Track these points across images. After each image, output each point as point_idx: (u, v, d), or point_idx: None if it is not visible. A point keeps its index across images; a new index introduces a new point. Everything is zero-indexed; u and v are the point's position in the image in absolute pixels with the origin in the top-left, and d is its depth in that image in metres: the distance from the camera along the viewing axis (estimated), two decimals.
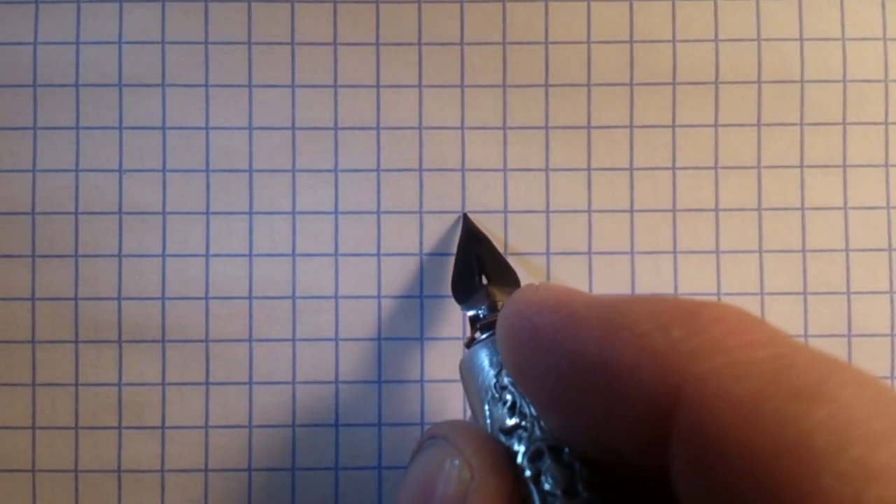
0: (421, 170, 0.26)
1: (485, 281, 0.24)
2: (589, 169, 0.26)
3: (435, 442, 0.13)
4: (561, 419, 0.12)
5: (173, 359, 0.25)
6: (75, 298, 0.26)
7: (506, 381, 0.15)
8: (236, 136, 0.26)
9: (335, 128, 0.26)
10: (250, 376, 0.25)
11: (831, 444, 0.08)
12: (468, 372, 0.17)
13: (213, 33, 0.26)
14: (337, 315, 0.26)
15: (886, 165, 0.26)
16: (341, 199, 0.26)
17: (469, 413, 0.17)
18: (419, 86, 0.26)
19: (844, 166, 0.26)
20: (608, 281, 0.26)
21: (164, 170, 0.26)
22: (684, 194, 0.26)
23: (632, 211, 0.26)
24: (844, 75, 0.26)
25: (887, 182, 0.26)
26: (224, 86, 0.26)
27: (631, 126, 0.26)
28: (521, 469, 0.12)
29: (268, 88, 0.26)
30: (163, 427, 0.25)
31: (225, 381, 0.25)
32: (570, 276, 0.26)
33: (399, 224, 0.26)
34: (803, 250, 0.26)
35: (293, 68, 0.26)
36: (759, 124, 0.26)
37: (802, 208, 0.26)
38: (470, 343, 0.19)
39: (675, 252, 0.26)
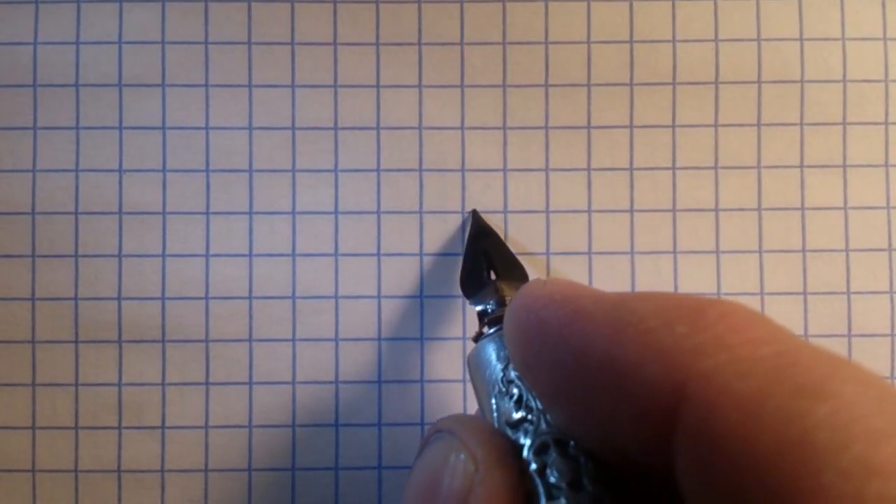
0: (421, 170, 0.26)
1: (493, 276, 0.24)
2: (589, 169, 0.26)
3: (441, 436, 0.13)
4: (566, 414, 0.12)
5: (173, 359, 0.25)
6: (75, 298, 0.26)
7: (513, 375, 0.15)
8: (236, 136, 0.26)
9: (335, 128, 0.26)
10: (250, 376, 0.25)
11: (833, 441, 0.08)
12: (475, 366, 0.17)
13: (213, 33, 0.26)
14: (337, 315, 0.26)
15: (886, 165, 0.26)
16: (341, 199, 0.26)
17: (475, 408, 0.17)
18: (419, 86, 0.26)
19: (844, 166, 0.26)
20: (608, 281, 0.26)
21: (164, 170, 0.26)
22: (684, 194, 0.26)
23: (632, 211, 0.26)
24: (844, 75, 0.26)
25: (887, 182, 0.26)
26: (224, 86, 0.26)
27: (631, 126, 0.26)
28: (526, 462, 0.13)
29: (268, 88, 0.26)
30: (163, 427, 0.25)
31: (225, 381, 0.25)
32: (570, 277, 0.26)
33: (399, 224, 0.26)
34: (803, 250, 0.26)
35: (293, 68, 0.26)
36: (759, 124, 0.26)
37: (802, 208, 0.26)
38: (478, 337, 0.19)
39: (675, 252, 0.26)
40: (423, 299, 0.26)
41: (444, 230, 0.26)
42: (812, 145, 0.26)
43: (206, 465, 0.25)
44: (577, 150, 0.26)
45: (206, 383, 0.25)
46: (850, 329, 0.26)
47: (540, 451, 0.13)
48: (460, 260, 0.25)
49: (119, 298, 0.26)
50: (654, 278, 0.26)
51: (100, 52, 0.26)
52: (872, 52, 0.26)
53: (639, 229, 0.26)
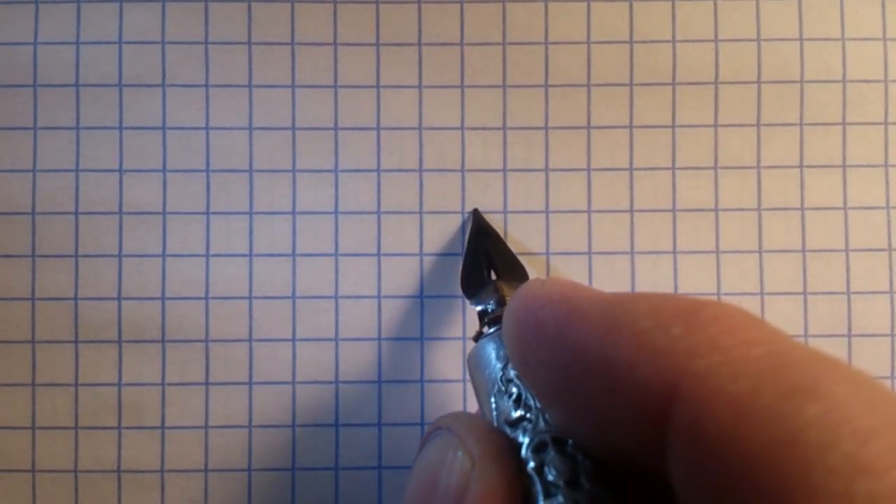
0: (421, 170, 0.26)
1: (493, 276, 0.24)
2: (589, 169, 0.26)
3: (440, 433, 0.14)
4: (563, 413, 0.12)
5: (173, 359, 0.25)
6: (75, 298, 0.26)
7: (511, 374, 0.15)
8: (236, 136, 0.26)
9: (335, 128, 0.26)
10: (250, 376, 0.25)
11: (823, 440, 0.08)
12: (475, 365, 0.17)
13: (213, 33, 0.26)
14: (337, 315, 0.26)
15: (886, 165, 0.26)
16: (341, 199, 0.26)
17: (475, 408, 0.18)
18: (419, 86, 0.26)
19: (844, 166, 0.26)
20: (608, 281, 0.26)
21: (164, 170, 0.26)
22: (684, 194, 0.26)
23: (632, 211, 0.26)
24: (844, 75, 0.26)
25: (887, 182, 0.26)
26: (224, 86, 0.26)
27: (631, 126, 0.26)
28: (524, 460, 0.13)
29: (268, 88, 0.26)
30: (163, 427, 0.25)
31: (225, 381, 0.25)
32: (570, 276, 0.26)
33: (399, 224, 0.26)
34: (803, 250, 0.26)
35: (293, 68, 0.26)
36: (758, 124, 0.26)
37: (802, 208, 0.26)
38: (478, 337, 0.19)
39: (675, 252, 0.26)
40: (423, 299, 0.26)
41: (444, 230, 0.26)
42: (812, 145, 0.26)
43: (206, 465, 0.25)
44: (577, 150, 0.26)
45: (206, 383, 0.25)
46: (850, 329, 0.26)
47: (538, 449, 0.13)
48: (461, 260, 0.25)
49: (119, 298, 0.26)
50: (654, 278, 0.26)
51: (100, 52, 0.26)
52: (872, 53, 0.26)
53: (639, 229, 0.26)
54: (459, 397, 0.26)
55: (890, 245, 0.26)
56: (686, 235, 0.26)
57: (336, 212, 0.26)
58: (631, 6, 0.26)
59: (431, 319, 0.26)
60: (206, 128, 0.26)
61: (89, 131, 0.26)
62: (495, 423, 0.15)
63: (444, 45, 0.26)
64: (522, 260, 0.24)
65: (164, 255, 0.26)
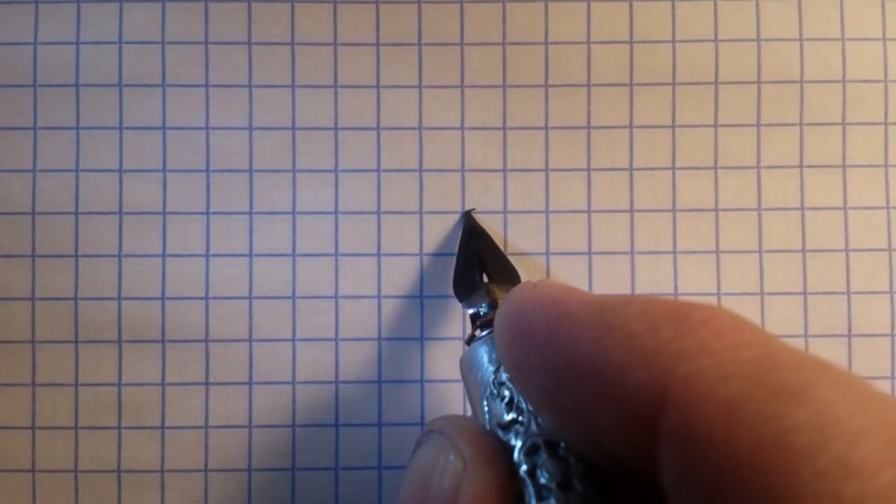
0: (421, 170, 0.26)
1: (486, 279, 0.24)
2: (589, 169, 0.26)
3: (432, 436, 0.14)
4: (555, 416, 0.12)
5: (173, 359, 0.25)
6: (75, 298, 0.26)
7: (504, 377, 0.15)
8: (236, 136, 0.26)
9: (335, 128, 0.26)
10: (250, 376, 0.25)
11: (812, 442, 0.08)
12: (468, 368, 0.17)
13: (213, 33, 0.26)
14: (337, 315, 0.26)
15: (886, 165, 0.26)
16: (341, 199, 0.26)
17: (470, 410, 0.18)
18: (419, 86, 0.26)
19: (844, 166, 0.26)
20: (608, 281, 0.26)
21: (164, 170, 0.26)
22: (684, 194, 0.26)
23: (632, 211, 0.26)
24: (844, 75, 0.26)
25: (887, 182, 0.26)
26: (224, 86, 0.26)
27: (631, 126, 0.26)
28: (517, 463, 0.13)
29: (268, 88, 0.26)
30: (163, 427, 0.25)
31: (225, 381, 0.25)
32: (570, 276, 0.26)
33: (399, 224, 0.26)
34: (803, 250, 0.26)
35: (293, 68, 0.26)
36: (758, 124, 0.26)
37: (802, 208, 0.26)
38: (470, 340, 0.19)
39: (675, 252, 0.26)
40: (423, 299, 0.26)
41: (444, 230, 0.26)
42: (811, 145, 0.26)
43: (206, 465, 0.25)
44: (577, 150, 0.26)
45: (206, 383, 0.25)
46: (850, 329, 0.26)
47: (530, 452, 0.13)
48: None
49: (119, 298, 0.26)
50: (654, 278, 0.26)
51: (100, 52, 0.26)
52: (872, 53, 0.26)
53: (639, 229, 0.26)
54: (459, 397, 0.26)
55: (890, 245, 0.26)
56: (686, 235, 0.26)
57: (336, 212, 0.26)
58: (631, 6, 0.26)
59: (431, 319, 0.26)
60: (206, 128, 0.26)
61: (89, 131, 0.26)
62: (488, 427, 0.15)
63: (444, 45, 0.26)
64: (522, 260, 0.24)
65: (164, 255, 0.26)
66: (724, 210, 0.26)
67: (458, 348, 0.26)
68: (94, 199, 0.26)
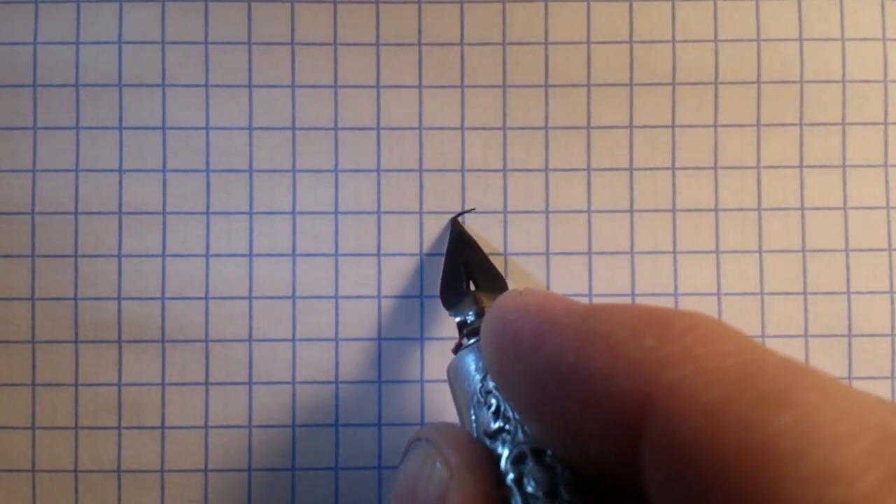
0: (421, 170, 0.26)
1: (473, 287, 0.24)
2: (589, 169, 0.26)
3: (419, 444, 0.14)
4: (541, 424, 0.12)
5: (173, 359, 0.25)
6: (75, 298, 0.26)
7: (490, 385, 0.15)
8: (236, 136, 0.26)
9: (335, 128, 0.26)
10: (250, 376, 0.25)
11: (795, 448, 0.08)
12: (455, 377, 0.17)
13: (213, 33, 0.26)
14: (337, 315, 0.26)
15: (886, 165, 0.26)
16: (341, 199, 0.26)
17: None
18: (419, 86, 0.26)
19: (844, 166, 0.26)
20: (608, 281, 0.26)
21: (164, 170, 0.26)
22: (684, 194, 0.26)
23: (632, 211, 0.26)
24: (844, 75, 0.26)
25: (887, 182, 0.26)
26: (224, 86, 0.26)
27: (631, 126, 0.26)
28: (504, 472, 0.13)
29: (268, 88, 0.26)
30: (163, 427, 0.25)
31: (225, 381, 0.25)
32: (570, 276, 0.26)
33: (399, 224, 0.26)
34: (803, 250, 0.26)
35: (293, 68, 0.26)
36: (758, 124, 0.26)
37: (802, 208, 0.26)
38: (457, 348, 0.19)
39: (675, 252, 0.26)
40: (423, 299, 0.26)
41: (444, 230, 0.26)
42: (811, 145, 0.26)
43: (206, 465, 0.25)
44: (577, 150, 0.26)
45: (206, 383, 0.25)
46: (850, 329, 0.26)
47: (517, 460, 0.13)
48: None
49: (119, 298, 0.26)
50: (654, 278, 0.26)
51: (100, 52, 0.26)
52: (872, 53, 0.26)
53: (639, 229, 0.26)
54: None
55: (890, 245, 0.26)
56: (686, 235, 0.26)
57: (336, 212, 0.26)
58: (631, 6, 0.26)
59: (431, 319, 0.26)
60: (206, 128, 0.26)
61: (89, 131, 0.26)
62: (475, 435, 0.15)
63: (444, 45, 0.26)
64: (522, 260, 0.24)
65: (163, 255, 0.26)
66: (724, 210, 0.26)
67: None
68: (93, 199, 0.26)
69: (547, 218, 0.26)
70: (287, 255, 0.26)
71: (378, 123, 0.26)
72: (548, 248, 0.26)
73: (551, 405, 0.12)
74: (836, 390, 0.09)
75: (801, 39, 0.26)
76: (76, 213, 0.26)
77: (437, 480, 0.12)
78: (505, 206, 0.26)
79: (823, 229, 0.26)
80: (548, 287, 0.26)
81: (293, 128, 0.26)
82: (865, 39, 0.26)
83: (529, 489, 0.12)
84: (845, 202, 0.26)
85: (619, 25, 0.26)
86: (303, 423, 0.25)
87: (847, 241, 0.26)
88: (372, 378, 0.26)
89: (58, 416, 0.25)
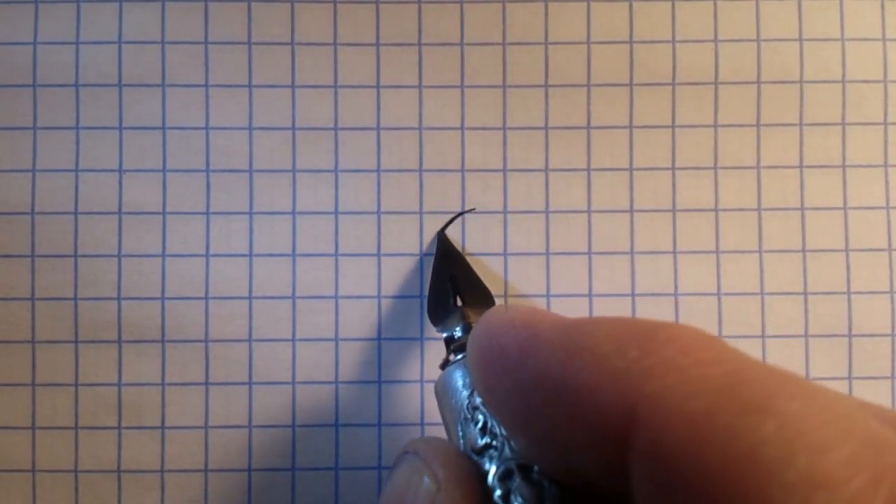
0: (421, 170, 0.26)
1: (460, 302, 0.24)
2: (589, 169, 0.26)
3: (406, 457, 0.14)
4: (527, 439, 0.12)
5: (173, 359, 0.25)
6: (75, 298, 0.26)
7: (477, 401, 0.15)
8: (236, 136, 0.26)
9: (335, 128, 0.26)
10: (250, 376, 0.25)
11: (779, 456, 0.09)
12: (443, 392, 0.17)
13: (213, 33, 0.26)
14: (337, 315, 0.26)
15: (886, 165, 0.26)
16: (341, 199, 0.26)
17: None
18: (419, 86, 0.26)
19: (844, 166, 0.26)
20: (608, 281, 0.26)
21: (164, 170, 0.26)
22: (684, 194, 0.26)
23: (632, 211, 0.26)
24: (843, 76, 0.26)
25: (887, 182, 0.26)
26: (224, 86, 0.26)
27: (630, 126, 0.26)
28: (491, 488, 0.13)
29: (268, 88, 0.26)
30: (163, 427, 0.25)
31: (225, 381, 0.25)
32: (570, 276, 0.26)
33: (399, 224, 0.26)
34: (803, 250, 0.26)
35: (293, 68, 0.26)
36: (758, 124, 0.26)
37: (802, 208, 0.26)
38: (445, 364, 0.19)
39: (675, 252, 0.26)
40: (423, 299, 0.26)
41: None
42: (811, 145, 0.26)
43: (206, 465, 0.25)
44: (576, 150, 0.26)
45: (206, 383, 0.25)
46: (850, 329, 0.26)
47: (504, 477, 0.13)
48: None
49: (119, 298, 0.26)
50: (654, 278, 0.26)
51: (100, 52, 0.26)
52: (871, 53, 0.26)
53: (639, 229, 0.26)
54: None
55: (890, 245, 0.26)
56: (686, 235, 0.26)
57: (336, 212, 0.26)
58: (631, 6, 0.26)
59: None
60: (206, 128, 0.26)
61: (89, 131, 0.26)
62: (463, 451, 0.15)
63: (444, 45, 0.26)
64: (522, 260, 0.24)
65: (163, 255, 0.26)
66: (724, 210, 0.26)
67: None
68: (93, 199, 0.26)
69: (547, 218, 0.26)
70: (287, 255, 0.26)
71: (378, 123, 0.26)
72: (548, 248, 0.26)
73: (538, 419, 0.12)
74: (818, 397, 0.09)
75: (800, 39, 0.26)
76: (76, 213, 0.26)
77: (424, 494, 0.13)
78: (505, 206, 0.26)
79: (823, 229, 0.26)
80: (548, 287, 0.26)
81: (293, 128, 0.26)
82: (865, 39, 0.26)
83: None
84: (845, 202, 0.26)
85: (619, 25, 0.26)
86: (303, 423, 0.25)
87: (847, 241, 0.26)
88: (372, 378, 0.26)
89: (58, 416, 0.25)
